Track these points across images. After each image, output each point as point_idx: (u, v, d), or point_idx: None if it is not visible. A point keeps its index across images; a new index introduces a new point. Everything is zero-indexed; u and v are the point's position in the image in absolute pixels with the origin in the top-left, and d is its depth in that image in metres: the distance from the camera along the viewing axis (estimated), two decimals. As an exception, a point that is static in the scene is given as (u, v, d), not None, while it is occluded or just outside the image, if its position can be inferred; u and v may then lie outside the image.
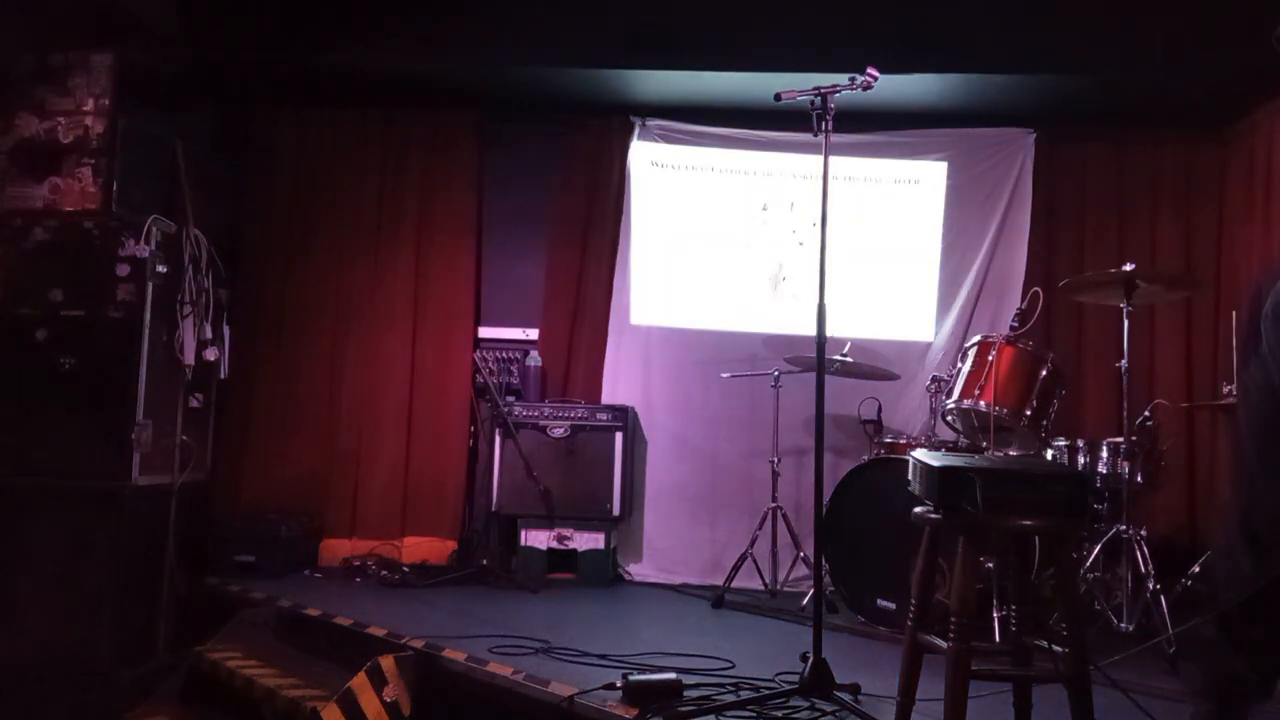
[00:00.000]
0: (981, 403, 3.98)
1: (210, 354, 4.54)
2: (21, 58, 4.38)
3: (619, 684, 2.86)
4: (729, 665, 3.25)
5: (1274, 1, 4.03)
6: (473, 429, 5.29)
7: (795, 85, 3.08)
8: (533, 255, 5.47)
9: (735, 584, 4.59)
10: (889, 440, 4.43)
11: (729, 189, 5.39)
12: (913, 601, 2.59)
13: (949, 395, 4.16)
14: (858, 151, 5.25)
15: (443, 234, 5.38)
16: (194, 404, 4.54)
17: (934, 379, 4.44)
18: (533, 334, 5.39)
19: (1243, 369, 2.57)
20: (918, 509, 2.58)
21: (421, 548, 5.12)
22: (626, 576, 5.14)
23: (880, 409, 4.70)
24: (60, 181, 4.31)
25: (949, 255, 5.29)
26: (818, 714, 2.77)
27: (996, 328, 4.86)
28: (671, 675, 2.94)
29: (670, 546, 5.20)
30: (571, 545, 4.93)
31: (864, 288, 5.23)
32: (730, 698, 2.86)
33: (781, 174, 5.36)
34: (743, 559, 4.62)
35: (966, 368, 4.12)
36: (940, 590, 3.08)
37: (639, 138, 5.39)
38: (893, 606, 3.91)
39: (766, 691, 2.91)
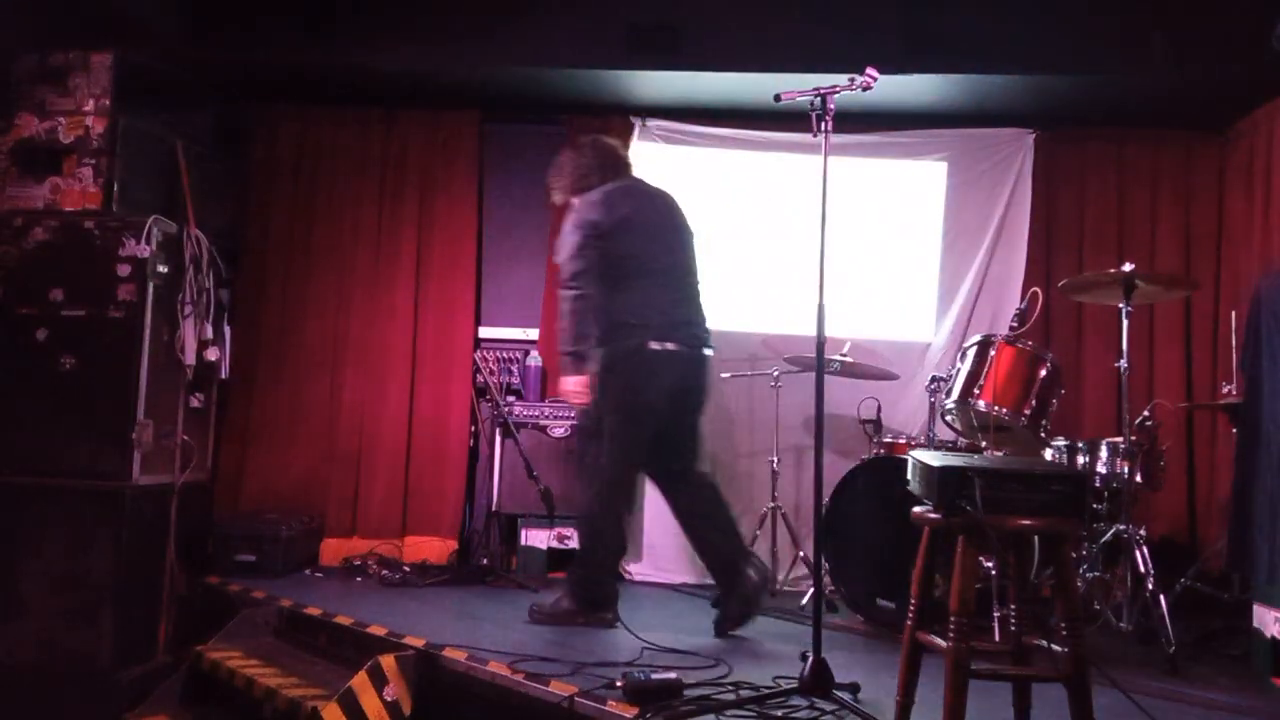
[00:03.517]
0: (981, 402, 3.99)
1: (211, 354, 4.54)
2: (21, 58, 4.39)
3: (619, 683, 2.87)
4: (728, 665, 3.25)
5: (1274, 2, 4.04)
6: (473, 429, 5.30)
7: (795, 85, 3.07)
8: (533, 255, 5.47)
9: (735, 584, 4.59)
10: (888, 440, 4.43)
11: (729, 189, 5.39)
12: (912, 601, 2.59)
13: (948, 395, 4.16)
14: (857, 152, 5.25)
15: (443, 234, 5.39)
16: (194, 404, 4.55)
17: (934, 379, 4.44)
18: (533, 334, 5.40)
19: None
20: (917, 509, 2.59)
21: (422, 547, 5.12)
22: (626, 576, 5.13)
23: (880, 409, 4.69)
24: (60, 181, 4.31)
25: (949, 255, 5.29)
26: (817, 713, 2.77)
27: (996, 328, 4.86)
28: (671, 675, 2.94)
29: (670, 546, 5.19)
30: (572, 545, 4.92)
31: (864, 288, 5.23)
32: (730, 697, 2.86)
33: (781, 174, 5.36)
34: (743, 559, 4.62)
35: (966, 367, 4.12)
36: (940, 590, 3.09)
37: (639, 138, 5.38)
38: (893, 606, 3.91)
39: (766, 691, 2.91)
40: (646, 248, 3.82)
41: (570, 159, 4.10)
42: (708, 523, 3.87)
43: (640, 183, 4.03)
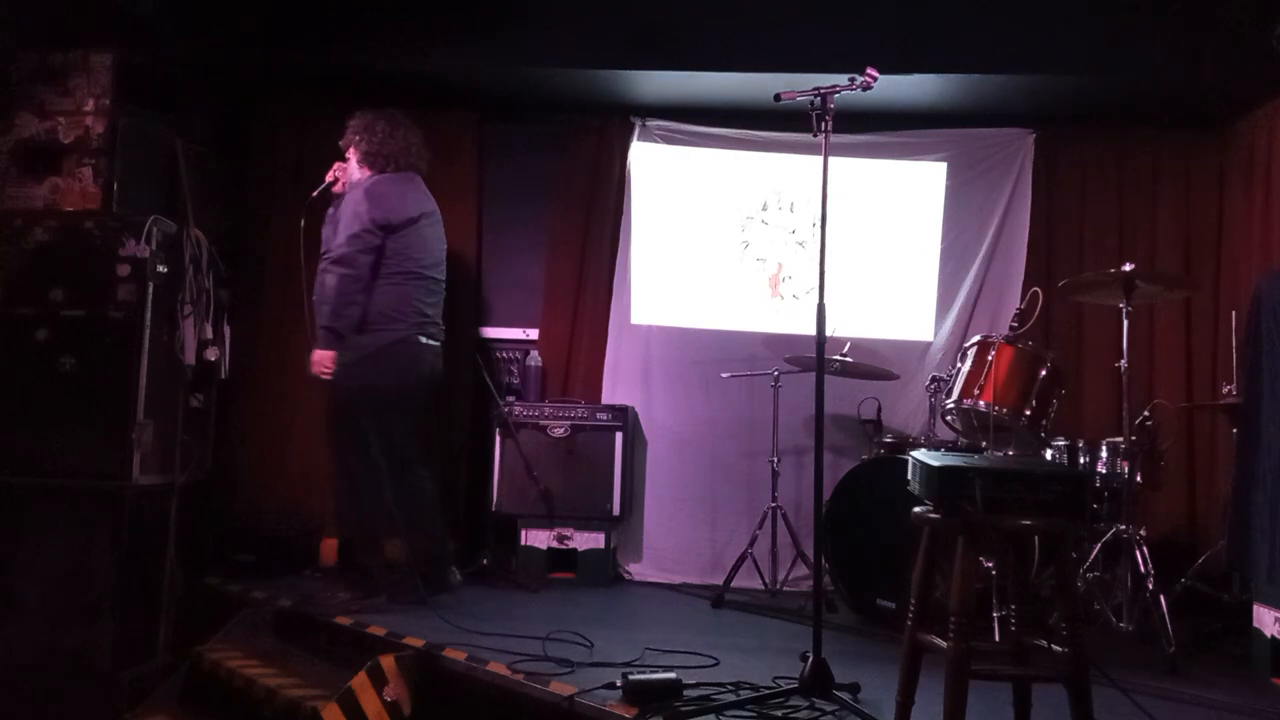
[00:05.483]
0: (981, 403, 3.98)
1: (211, 354, 4.53)
2: (21, 58, 4.38)
3: (619, 684, 2.87)
4: (729, 665, 3.25)
5: (1274, 2, 4.04)
6: (472, 428, 5.28)
7: (795, 85, 3.08)
8: (533, 255, 5.47)
9: (735, 584, 4.59)
10: (889, 440, 4.43)
11: (729, 189, 5.39)
12: (912, 601, 2.59)
13: (949, 395, 4.16)
14: (857, 152, 5.25)
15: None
16: (194, 404, 4.53)
17: (934, 379, 4.44)
18: (533, 334, 5.40)
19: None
20: (917, 509, 2.59)
21: (421, 547, 5.11)
22: (626, 576, 5.14)
23: (880, 409, 4.70)
24: (60, 181, 4.31)
25: (949, 255, 5.29)
26: (817, 713, 2.77)
27: (996, 328, 4.86)
28: (672, 675, 2.94)
29: (670, 546, 5.20)
30: (571, 545, 4.93)
31: (864, 288, 5.24)
32: (730, 697, 2.87)
33: (781, 174, 5.37)
34: (743, 559, 4.62)
35: (966, 368, 4.12)
36: (940, 590, 3.09)
37: (639, 138, 5.39)
38: (893, 606, 3.91)
39: (766, 691, 2.91)
40: (423, 250, 4.19)
41: (385, 131, 4.24)
42: (416, 523, 4.14)
43: (424, 188, 4.31)
